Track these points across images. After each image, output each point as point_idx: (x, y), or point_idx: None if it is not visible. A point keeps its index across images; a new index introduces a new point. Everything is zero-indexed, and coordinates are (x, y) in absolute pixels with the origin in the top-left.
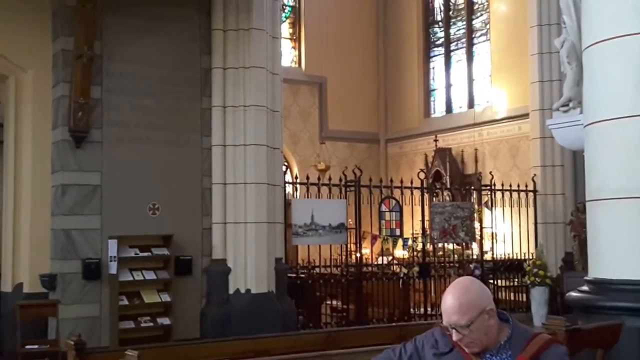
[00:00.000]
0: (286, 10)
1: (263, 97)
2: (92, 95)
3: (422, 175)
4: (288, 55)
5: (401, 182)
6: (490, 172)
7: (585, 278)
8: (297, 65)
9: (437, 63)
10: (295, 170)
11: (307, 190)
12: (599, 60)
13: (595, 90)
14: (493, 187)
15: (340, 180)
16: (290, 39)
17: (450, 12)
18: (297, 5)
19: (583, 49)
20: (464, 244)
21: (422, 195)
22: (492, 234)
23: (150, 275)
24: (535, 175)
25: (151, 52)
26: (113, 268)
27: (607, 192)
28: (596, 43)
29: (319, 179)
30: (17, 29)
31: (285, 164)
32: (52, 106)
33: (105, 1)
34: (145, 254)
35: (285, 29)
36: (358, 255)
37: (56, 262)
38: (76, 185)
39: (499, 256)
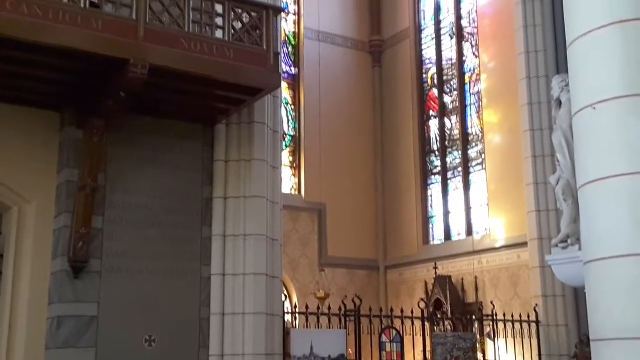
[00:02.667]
0: (287, 140)
1: (263, 226)
2: (94, 225)
3: (422, 305)
4: (288, 182)
5: (401, 311)
6: (492, 302)
7: None
8: (297, 193)
9: (435, 191)
10: (295, 298)
11: (307, 320)
12: (595, 198)
13: (593, 228)
14: (495, 318)
15: (340, 309)
16: (291, 167)
17: (446, 142)
18: (297, 134)
19: (578, 187)
20: None
21: (423, 325)
22: None
23: None
24: (537, 305)
25: (154, 182)
26: None
27: (611, 332)
28: (591, 182)
29: (318, 307)
30: (24, 161)
31: (285, 292)
32: (53, 237)
33: (112, 134)
34: None
35: (286, 157)
36: None
37: None
38: (72, 316)
39: None
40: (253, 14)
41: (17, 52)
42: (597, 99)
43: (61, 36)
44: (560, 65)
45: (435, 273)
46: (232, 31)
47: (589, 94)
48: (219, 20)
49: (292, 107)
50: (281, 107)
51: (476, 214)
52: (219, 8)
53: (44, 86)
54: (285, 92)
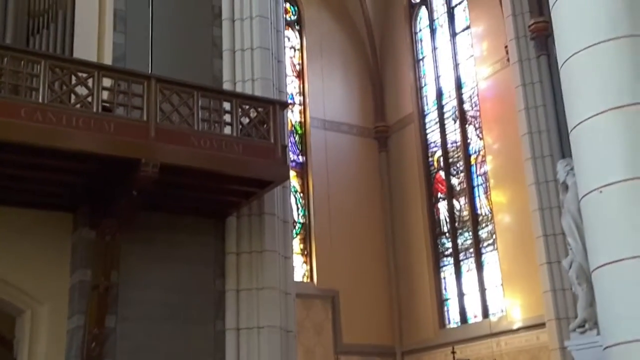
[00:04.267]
0: (296, 227)
1: (277, 318)
2: (107, 324)
3: None
4: (300, 270)
5: None
6: None
7: None
8: (309, 280)
9: (448, 272)
10: None
11: None
12: (609, 281)
13: (609, 311)
14: None
15: None
16: (302, 254)
17: (456, 224)
18: (306, 221)
19: (591, 270)
20: None
21: None
22: None
23: None
24: None
25: (166, 278)
26: None
27: None
28: (604, 265)
29: None
30: (37, 263)
31: None
32: (67, 338)
33: (124, 231)
34: None
35: (296, 245)
36: None
37: None
38: None
39: None
40: (260, 109)
41: (31, 157)
42: (602, 183)
43: (75, 140)
44: (564, 144)
45: (454, 357)
46: (240, 126)
47: (595, 177)
48: (227, 117)
49: (301, 194)
50: (290, 196)
51: (491, 294)
52: (226, 105)
53: (57, 189)
54: (294, 180)
